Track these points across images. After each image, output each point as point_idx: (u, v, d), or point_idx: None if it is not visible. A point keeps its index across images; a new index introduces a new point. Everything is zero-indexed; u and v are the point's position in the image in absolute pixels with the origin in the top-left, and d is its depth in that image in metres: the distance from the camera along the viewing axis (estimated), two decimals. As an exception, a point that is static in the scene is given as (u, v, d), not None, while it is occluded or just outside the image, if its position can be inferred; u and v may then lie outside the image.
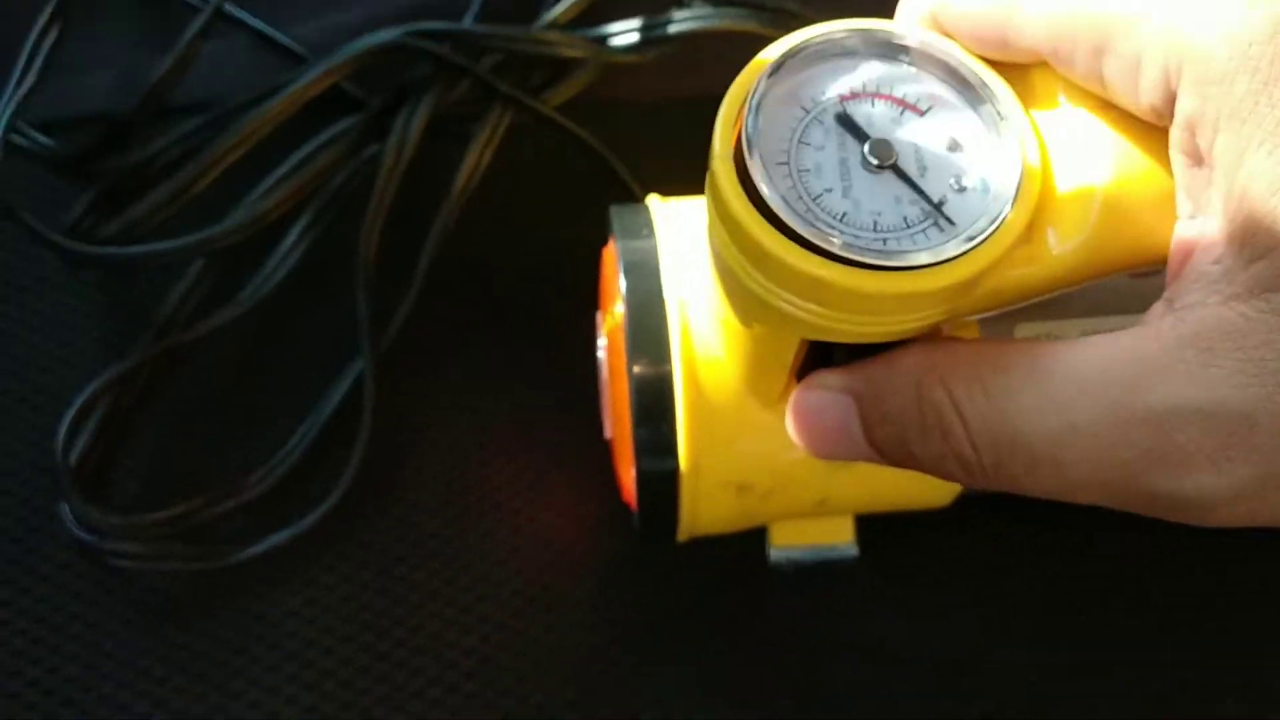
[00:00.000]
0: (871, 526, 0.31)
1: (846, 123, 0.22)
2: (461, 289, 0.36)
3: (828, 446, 0.23)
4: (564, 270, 0.35)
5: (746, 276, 0.22)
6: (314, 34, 0.39)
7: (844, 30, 0.22)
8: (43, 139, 0.36)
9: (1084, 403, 0.19)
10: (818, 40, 0.22)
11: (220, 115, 0.36)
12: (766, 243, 0.20)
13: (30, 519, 0.32)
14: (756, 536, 0.31)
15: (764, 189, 0.20)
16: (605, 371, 0.31)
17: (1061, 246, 0.21)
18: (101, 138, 0.35)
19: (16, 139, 0.35)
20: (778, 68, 0.22)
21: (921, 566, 0.33)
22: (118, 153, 0.36)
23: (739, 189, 0.21)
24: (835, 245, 0.20)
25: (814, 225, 0.20)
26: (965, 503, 0.31)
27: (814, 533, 0.31)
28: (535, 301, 0.36)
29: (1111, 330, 0.27)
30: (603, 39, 0.36)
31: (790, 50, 0.22)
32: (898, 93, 0.22)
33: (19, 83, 0.34)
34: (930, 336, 0.22)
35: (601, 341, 0.31)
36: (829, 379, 0.23)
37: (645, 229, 0.29)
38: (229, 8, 0.37)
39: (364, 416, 0.33)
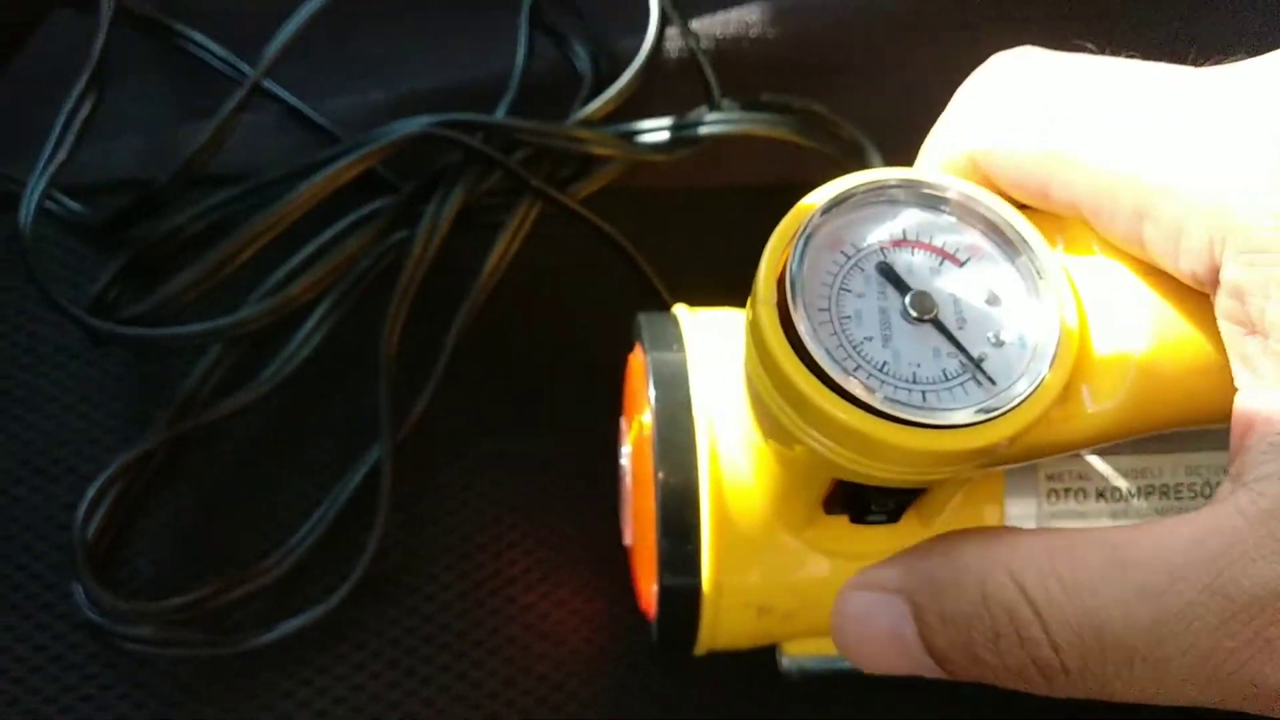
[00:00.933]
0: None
1: (888, 273, 0.22)
2: (482, 379, 0.36)
3: (880, 658, 0.21)
4: (586, 363, 0.35)
5: (783, 416, 0.22)
6: (345, 110, 0.39)
7: (887, 179, 0.23)
8: (73, 205, 0.36)
9: (1178, 589, 0.18)
10: (862, 188, 0.22)
11: (250, 189, 0.36)
12: (808, 392, 0.21)
13: (42, 596, 0.32)
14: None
15: (807, 340, 0.21)
16: (628, 480, 0.31)
17: (1097, 406, 0.21)
18: (131, 207, 0.36)
19: (47, 204, 0.35)
20: (823, 213, 0.22)
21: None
22: (146, 222, 0.36)
23: (782, 335, 0.21)
24: (876, 400, 0.20)
25: (855, 377, 0.21)
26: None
27: (826, 643, 0.31)
28: (556, 395, 0.36)
29: (1134, 468, 0.28)
30: (633, 137, 0.36)
31: (835, 198, 0.22)
32: (938, 242, 0.23)
33: (53, 153, 0.34)
34: (986, 526, 0.22)
35: (626, 449, 0.31)
36: (877, 576, 0.21)
37: (675, 342, 0.29)
38: (266, 83, 0.37)
39: (380, 504, 0.33)
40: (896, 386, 0.21)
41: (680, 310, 0.31)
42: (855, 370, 0.21)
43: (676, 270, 0.37)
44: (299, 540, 0.33)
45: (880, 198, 0.23)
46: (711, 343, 0.29)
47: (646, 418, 0.28)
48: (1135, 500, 0.26)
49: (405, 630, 0.33)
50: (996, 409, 0.21)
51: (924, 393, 0.21)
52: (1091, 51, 0.24)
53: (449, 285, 0.36)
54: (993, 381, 0.21)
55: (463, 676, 0.32)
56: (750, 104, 0.38)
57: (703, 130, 0.36)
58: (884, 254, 0.22)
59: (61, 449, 0.34)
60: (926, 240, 0.22)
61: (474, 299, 0.35)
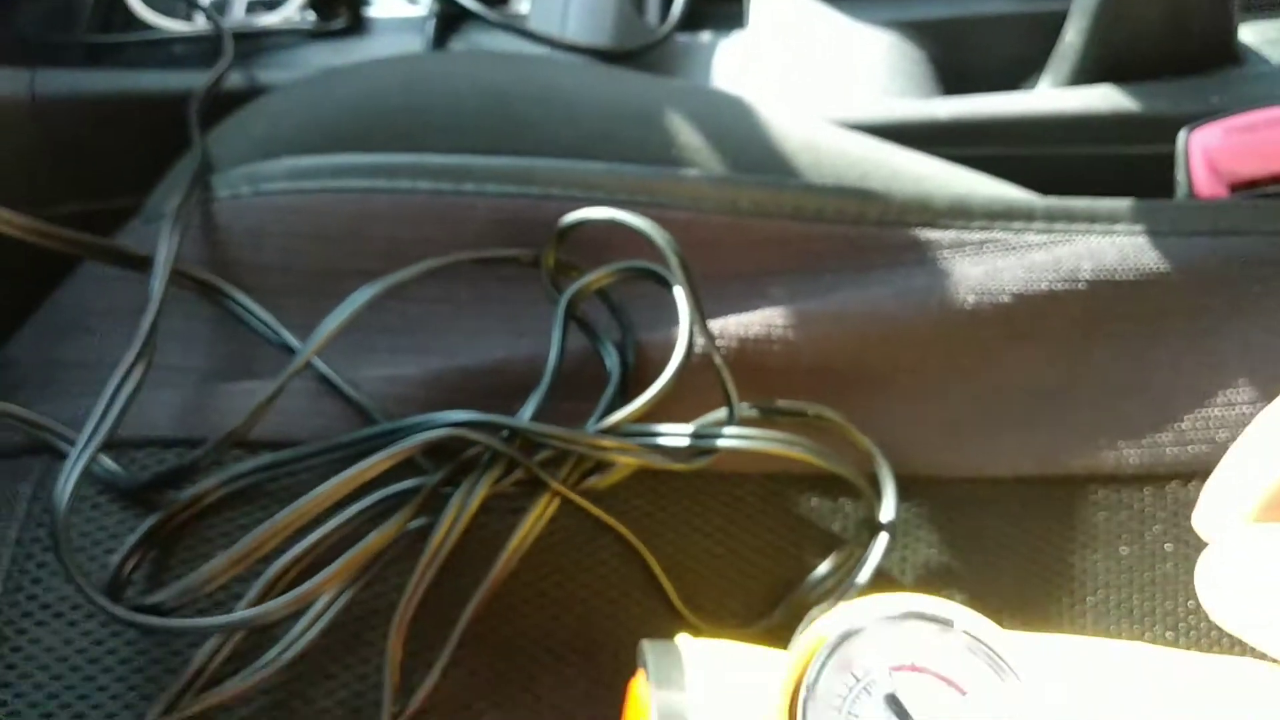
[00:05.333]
0: None
1: (895, 706, 0.23)
2: (487, 668, 0.36)
3: None
4: (592, 658, 0.36)
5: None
6: (377, 383, 0.40)
7: (899, 610, 0.24)
8: (111, 466, 0.37)
9: None
10: (875, 615, 0.23)
11: (280, 464, 0.37)
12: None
13: None
14: None
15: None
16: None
17: None
18: (167, 475, 0.37)
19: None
20: (837, 644, 0.23)
21: None
22: (175, 486, 0.37)
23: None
24: None
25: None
26: None
27: None
28: (560, 690, 0.36)
29: None
30: (653, 441, 0.37)
31: (849, 629, 0.23)
32: (943, 670, 0.23)
33: (98, 425, 0.35)
34: None
35: (623, 779, 0.32)
36: None
37: (677, 680, 0.30)
38: (314, 361, 0.39)
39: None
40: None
41: (684, 642, 0.31)
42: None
43: (685, 550, 0.38)
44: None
45: (889, 623, 0.24)
46: (714, 683, 0.30)
47: (646, 761, 0.29)
48: None
49: None
50: None
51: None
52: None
53: (462, 570, 0.36)
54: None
55: None
56: (767, 411, 0.39)
57: (720, 443, 0.37)
58: (892, 679, 0.23)
59: (65, 711, 0.34)
60: (932, 668, 0.23)
61: (488, 587, 0.36)
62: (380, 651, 0.36)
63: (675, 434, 0.38)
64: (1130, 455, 0.43)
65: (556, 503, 0.37)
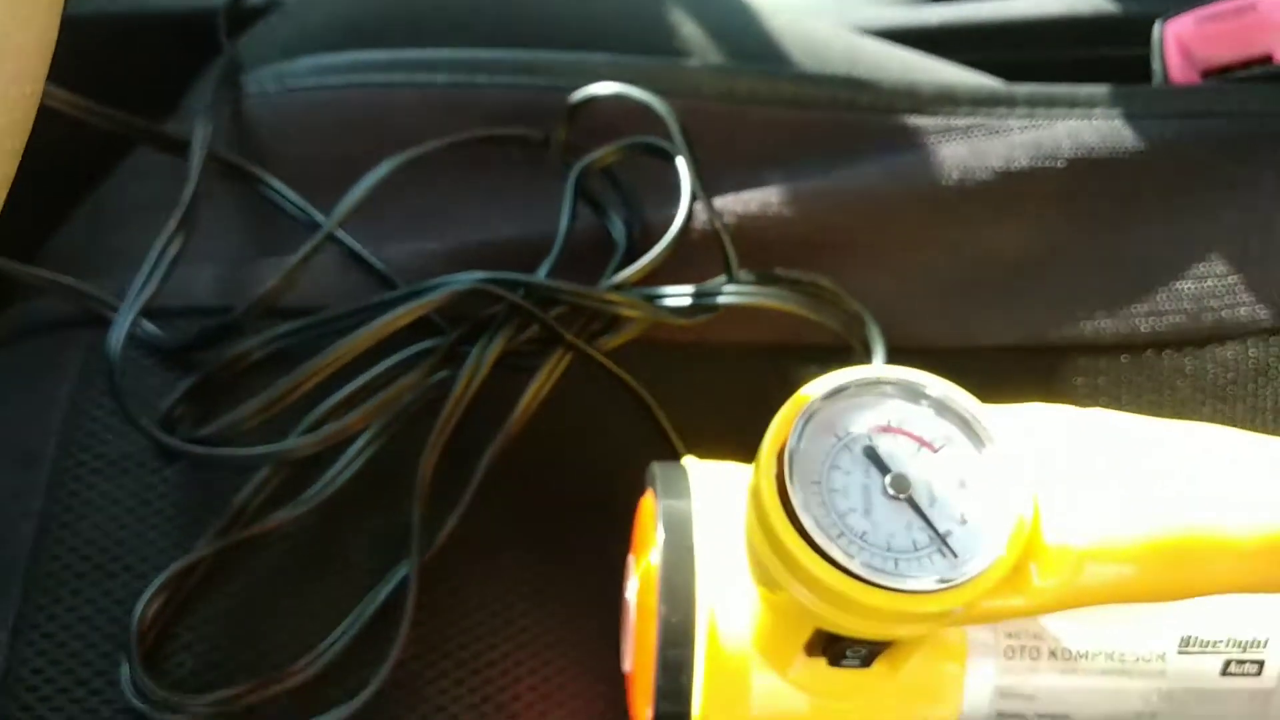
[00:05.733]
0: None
1: (872, 456, 0.26)
2: (506, 509, 0.39)
3: None
4: (603, 500, 0.39)
5: (775, 570, 0.26)
6: (401, 257, 0.43)
7: (876, 376, 0.27)
8: (151, 328, 0.40)
9: None
10: (856, 381, 0.26)
11: (312, 325, 0.40)
12: (797, 553, 0.24)
13: (91, 682, 0.35)
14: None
15: (799, 510, 0.24)
16: (632, 613, 0.34)
17: (1043, 582, 0.25)
18: (206, 334, 0.40)
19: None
20: (820, 401, 0.26)
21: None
22: (215, 347, 0.40)
23: (778, 503, 0.25)
24: (855, 566, 0.24)
25: (837, 544, 0.24)
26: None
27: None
28: (573, 528, 0.39)
29: (1085, 633, 0.31)
30: (658, 300, 0.40)
31: (832, 390, 0.26)
32: (917, 431, 0.26)
33: (143, 286, 0.38)
34: None
35: (632, 585, 0.35)
36: None
37: (683, 492, 0.33)
38: (338, 233, 0.42)
39: (404, 617, 0.36)
40: (873, 553, 0.25)
41: (690, 462, 0.34)
42: (838, 537, 0.25)
43: (689, 417, 0.41)
44: (328, 645, 0.36)
45: (870, 390, 0.26)
46: (717, 494, 0.33)
47: (653, 559, 0.32)
48: (1084, 661, 0.29)
49: (418, 740, 0.35)
50: (955, 579, 0.24)
51: (896, 560, 0.25)
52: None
53: (483, 420, 0.39)
54: (955, 555, 0.25)
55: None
56: (764, 277, 0.42)
57: (720, 300, 0.40)
58: (870, 439, 0.26)
59: (121, 548, 0.37)
60: (907, 429, 0.26)
61: (505, 434, 0.39)
62: (408, 496, 0.39)
63: (679, 293, 0.40)
64: (1106, 326, 0.45)
65: (569, 357, 0.39)
